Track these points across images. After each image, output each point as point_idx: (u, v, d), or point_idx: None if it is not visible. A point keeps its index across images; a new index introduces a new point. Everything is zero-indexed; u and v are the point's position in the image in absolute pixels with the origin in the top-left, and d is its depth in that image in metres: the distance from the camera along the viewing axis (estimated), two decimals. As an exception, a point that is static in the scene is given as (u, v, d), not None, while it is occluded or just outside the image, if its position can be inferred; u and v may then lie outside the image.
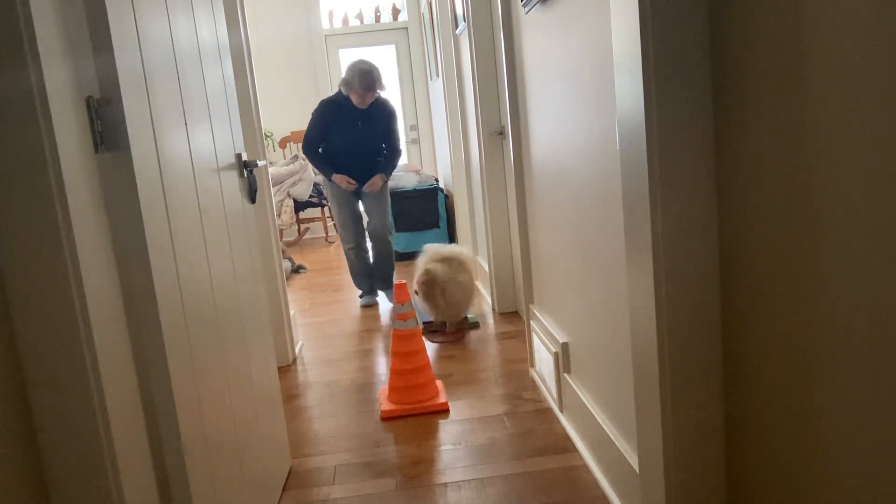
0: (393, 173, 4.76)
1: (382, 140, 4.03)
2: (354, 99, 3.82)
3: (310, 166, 6.39)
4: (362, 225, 4.10)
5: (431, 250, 3.45)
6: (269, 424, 1.93)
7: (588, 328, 1.96)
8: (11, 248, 1.00)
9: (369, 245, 4.16)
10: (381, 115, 3.97)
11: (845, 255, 0.87)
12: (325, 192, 4.15)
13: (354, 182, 3.94)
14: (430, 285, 3.27)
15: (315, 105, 4.01)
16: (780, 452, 1.09)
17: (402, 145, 4.12)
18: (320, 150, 3.97)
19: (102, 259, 1.11)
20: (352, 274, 4.19)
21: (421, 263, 3.43)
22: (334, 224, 4.18)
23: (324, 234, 7.08)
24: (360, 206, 4.13)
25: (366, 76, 3.75)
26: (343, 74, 3.88)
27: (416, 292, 3.32)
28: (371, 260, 4.19)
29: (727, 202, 1.16)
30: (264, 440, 1.86)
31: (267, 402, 1.93)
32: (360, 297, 4.22)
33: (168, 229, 1.30)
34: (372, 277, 4.18)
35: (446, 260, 3.38)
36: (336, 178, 3.93)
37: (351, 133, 3.94)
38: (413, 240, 5.49)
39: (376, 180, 3.96)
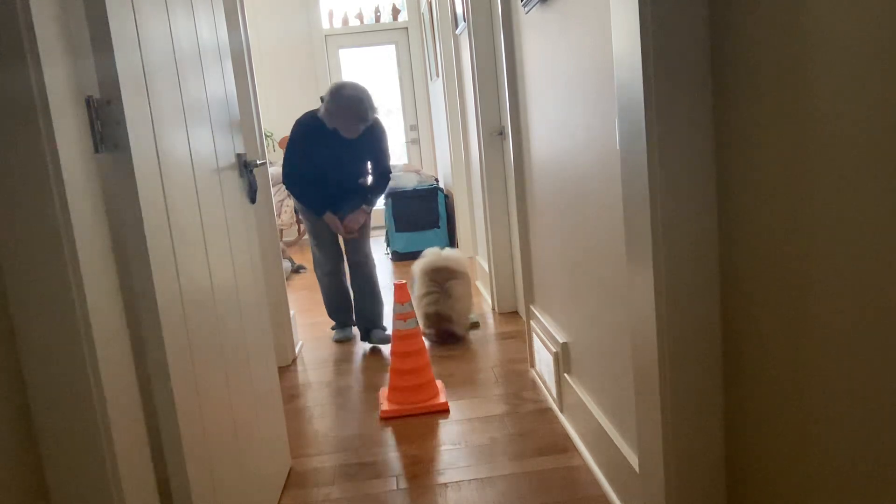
0: (393, 173, 4.64)
1: (371, 163, 3.33)
2: (341, 130, 3.10)
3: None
4: (340, 248, 3.43)
5: (426, 259, 3.45)
6: (269, 424, 1.93)
7: (588, 328, 1.96)
8: (11, 248, 1.00)
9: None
10: (371, 140, 3.23)
11: (845, 255, 0.87)
12: (300, 213, 3.41)
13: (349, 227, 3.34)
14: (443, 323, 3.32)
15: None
16: (779, 452, 1.08)
17: (392, 162, 3.37)
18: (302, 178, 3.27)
19: (102, 259, 1.11)
20: (326, 302, 3.51)
21: (417, 278, 3.43)
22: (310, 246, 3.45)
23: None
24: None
25: (355, 107, 3.02)
26: (325, 100, 3.07)
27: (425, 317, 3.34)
28: (349, 287, 3.50)
29: (727, 202, 1.16)
30: (264, 440, 1.86)
31: (267, 402, 1.92)
32: (333, 328, 3.60)
33: (168, 229, 1.30)
34: (351, 312, 3.53)
35: (440, 271, 3.37)
36: (328, 218, 3.25)
37: (335, 161, 3.24)
38: (413, 240, 5.51)
39: (359, 216, 3.26)
